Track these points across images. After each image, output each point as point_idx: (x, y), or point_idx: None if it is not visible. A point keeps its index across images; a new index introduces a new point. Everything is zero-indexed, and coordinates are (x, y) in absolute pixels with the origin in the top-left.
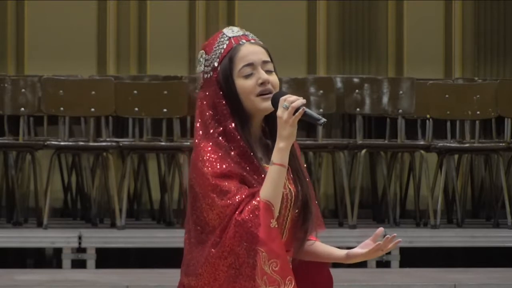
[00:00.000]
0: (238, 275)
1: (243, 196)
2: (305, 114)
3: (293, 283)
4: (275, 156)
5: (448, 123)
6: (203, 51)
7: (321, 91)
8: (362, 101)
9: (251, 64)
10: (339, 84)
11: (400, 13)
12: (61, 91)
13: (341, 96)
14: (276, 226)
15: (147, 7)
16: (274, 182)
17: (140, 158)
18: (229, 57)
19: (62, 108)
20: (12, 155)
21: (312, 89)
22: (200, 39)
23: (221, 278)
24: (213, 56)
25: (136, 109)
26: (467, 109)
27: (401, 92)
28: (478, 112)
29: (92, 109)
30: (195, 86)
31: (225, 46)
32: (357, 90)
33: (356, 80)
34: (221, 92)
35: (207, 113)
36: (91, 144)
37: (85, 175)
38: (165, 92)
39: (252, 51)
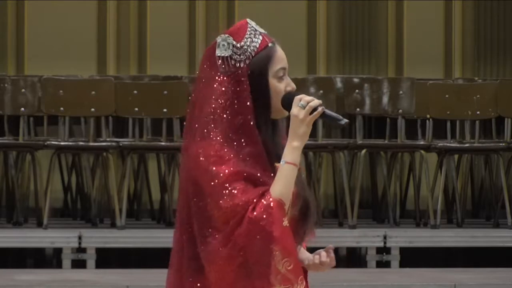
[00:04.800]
0: (250, 273)
1: (253, 195)
2: (324, 114)
3: (304, 283)
4: (288, 155)
5: (448, 123)
6: (230, 36)
7: (321, 91)
8: (362, 101)
9: (284, 69)
10: (339, 84)
11: (400, 13)
12: (61, 91)
13: (341, 96)
14: (288, 224)
15: (147, 7)
16: (286, 181)
17: (140, 158)
18: (267, 54)
19: (62, 108)
20: (12, 155)
21: (312, 89)
22: (200, 39)
23: (229, 277)
24: (246, 47)
25: (136, 109)
26: (467, 109)
27: (401, 92)
28: (478, 112)
29: (92, 109)
30: (222, 70)
31: (259, 41)
32: (357, 90)
33: (356, 80)
34: (250, 85)
35: (223, 101)
36: (91, 144)
37: (85, 175)
38: (165, 92)
39: (284, 55)
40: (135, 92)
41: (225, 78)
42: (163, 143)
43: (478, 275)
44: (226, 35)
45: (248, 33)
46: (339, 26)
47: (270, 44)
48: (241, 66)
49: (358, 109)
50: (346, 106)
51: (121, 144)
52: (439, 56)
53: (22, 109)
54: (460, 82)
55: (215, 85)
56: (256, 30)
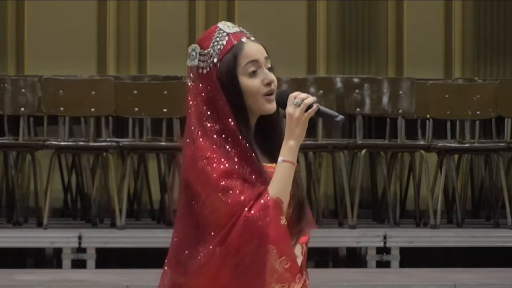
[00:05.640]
0: (246, 273)
1: (251, 195)
2: (319, 111)
3: (302, 280)
4: (285, 154)
5: (448, 123)
6: (196, 45)
7: (321, 91)
8: (362, 101)
9: (255, 62)
10: (339, 84)
11: (400, 13)
12: (61, 91)
13: (341, 96)
14: (286, 223)
15: (147, 7)
16: (283, 180)
17: (140, 158)
18: (233, 53)
19: (62, 108)
20: (12, 155)
21: (312, 89)
22: None
23: (225, 277)
24: (212, 52)
25: (136, 109)
26: (467, 109)
27: (401, 92)
28: (478, 112)
29: (92, 109)
30: (186, 80)
31: (224, 42)
32: (357, 90)
33: (356, 80)
34: (222, 89)
35: (203, 108)
36: (91, 144)
37: (85, 175)
38: (165, 92)
39: (255, 49)
40: (135, 92)
41: (199, 86)
42: (163, 143)
43: (478, 275)
44: (195, 45)
45: (215, 37)
46: (339, 26)
47: (235, 43)
48: (209, 71)
49: (358, 109)
50: (346, 106)
51: (121, 144)
52: (439, 56)
53: (22, 109)
54: (460, 82)
55: (192, 94)
56: (223, 31)
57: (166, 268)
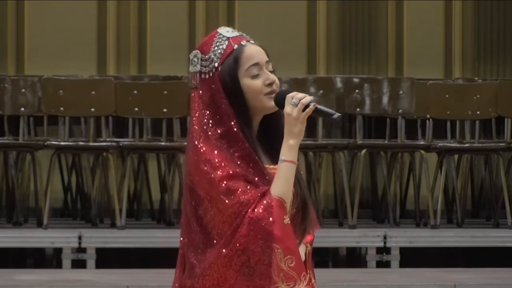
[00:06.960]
0: (252, 273)
1: (254, 195)
2: (316, 110)
3: (307, 278)
4: (285, 153)
5: (448, 123)
6: (197, 51)
7: (321, 91)
8: (362, 101)
9: (257, 64)
10: (339, 84)
11: (400, 13)
12: (61, 91)
13: (341, 96)
14: (289, 222)
15: (147, 7)
16: (285, 179)
17: (140, 158)
18: (234, 57)
19: (62, 108)
20: (12, 155)
21: (312, 89)
22: (200, 39)
23: (232, 278)
24: (212, 56)
25: (136, 109)
26: (467, 109)
27: (401, 92)
28: (478, 112)
29: (92, 109)
30: (189, 86)
31: (224, 46)
32: (357, 90)
33: (356, 80)
34: (224, 92)
35: (205, 113)
36: (91, 144)
37: (85, 175)
38: (165, 92)
39: (256, 51)
40: (135, 92)
41: (201, 91)
42: (163, 143)
43: (478, 275)
44: (196, 51)
45: (215, 42)
46: (339, 26)
47: (235, 46)
48: (211, 76)
49: (358, 109)
50: (346, 106)
51: (121, 144)
52: (439, 56)
53: (22, 109)
54: (460, 82)
55: (195, 99)
56: (223, 36)
57: (175, 270)
